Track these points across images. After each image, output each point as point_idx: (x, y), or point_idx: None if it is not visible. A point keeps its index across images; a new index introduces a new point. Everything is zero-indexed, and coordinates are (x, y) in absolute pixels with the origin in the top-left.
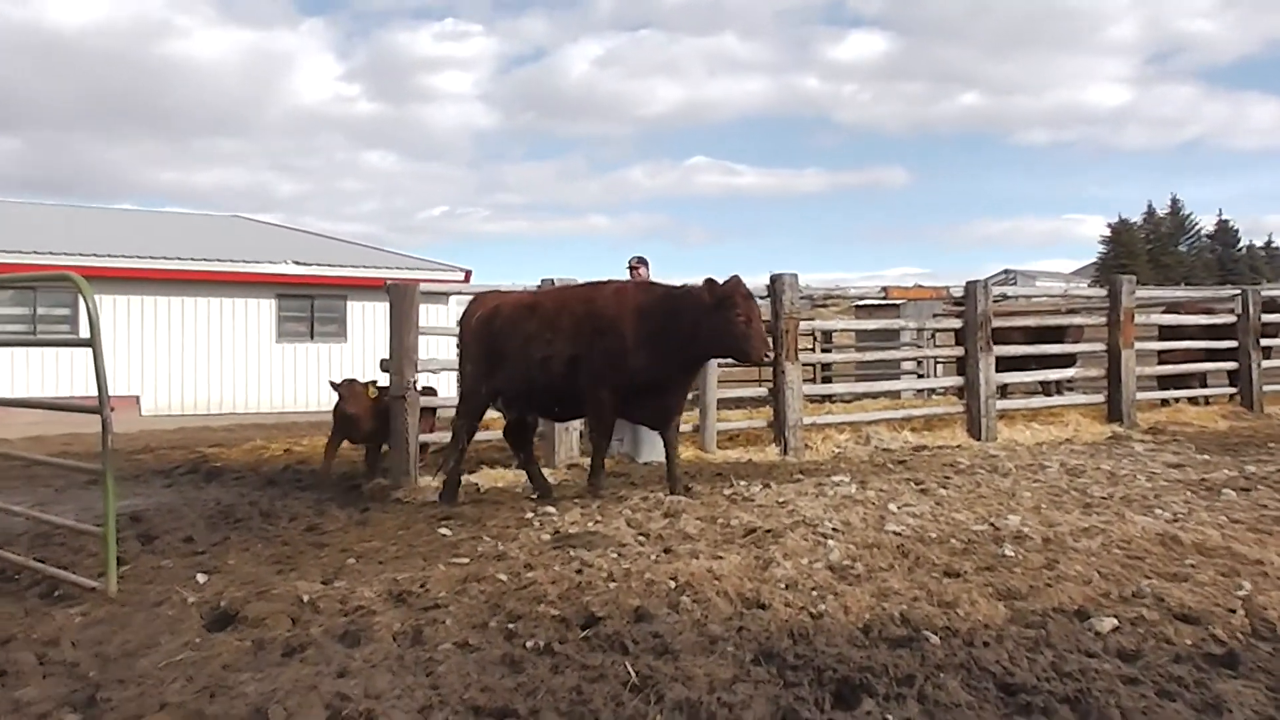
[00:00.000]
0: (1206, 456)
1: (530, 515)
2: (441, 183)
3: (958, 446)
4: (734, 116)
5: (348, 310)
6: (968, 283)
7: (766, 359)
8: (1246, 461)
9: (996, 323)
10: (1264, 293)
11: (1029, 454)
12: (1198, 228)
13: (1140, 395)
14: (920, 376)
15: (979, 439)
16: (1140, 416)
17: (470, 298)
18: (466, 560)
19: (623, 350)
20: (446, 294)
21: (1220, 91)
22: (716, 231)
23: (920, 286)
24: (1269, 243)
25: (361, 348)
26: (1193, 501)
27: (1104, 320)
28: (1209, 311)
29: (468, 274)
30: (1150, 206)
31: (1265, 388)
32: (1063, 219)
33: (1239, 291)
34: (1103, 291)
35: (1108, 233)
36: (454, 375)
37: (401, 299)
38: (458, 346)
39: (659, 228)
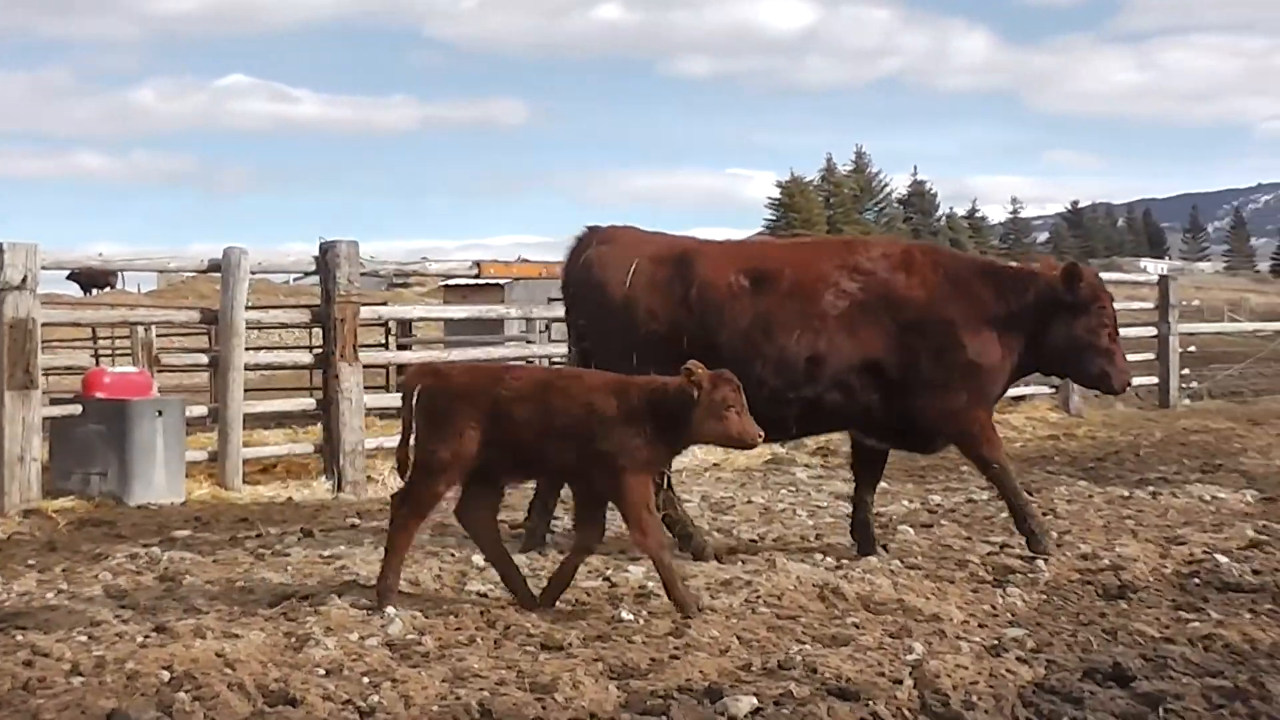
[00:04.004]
0: (884, 484)
1: None
2: None
3: None
4: (290, 23)
5: None
6: None
7: (1129, 388)
8: (932, 490)
9: None
10: None
11: None
12: (888, 190)
13: None
14: None
15: None
16: None
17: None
18: None
19: (962, 348)
20: None
21: (920, 17)
22: (261, 178)
23: (526, 261)
24: (973, 211)
25: None
26: None
27: None
28: None
29: None
30: (830, 161)
31: None
32: (727, 174)
33: None
34: None
35: (778, 193)
36: None
37: None
38: (586, 319)
39: (178, 171)
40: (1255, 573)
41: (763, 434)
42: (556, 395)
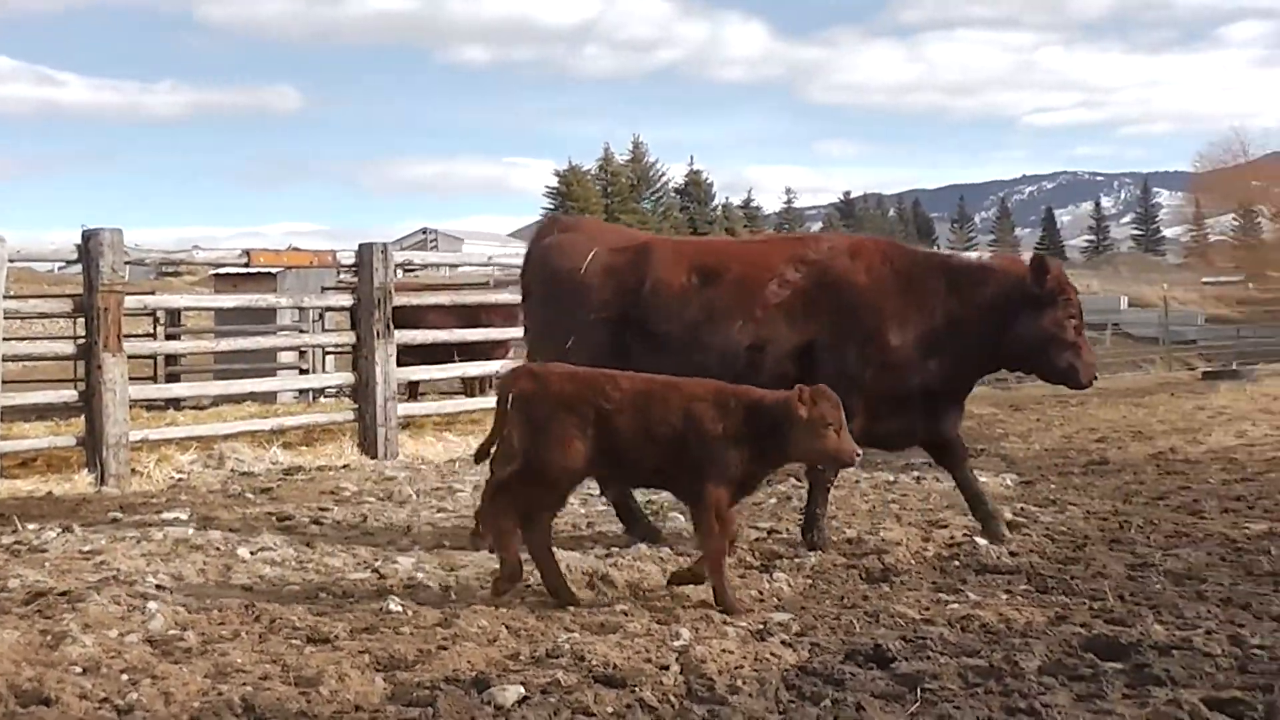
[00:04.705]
0: None
1: None
2: None
3: (344, 467)
4: (55, 4)
5: None
6: (361, 245)
7: (1094, 383)
8: None
9: (409, 300)
10: None
11: (437, 475)
12: (665, 179)
13: None
14: (304, 372)
15: (375, 456)
16: None
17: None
18: None
19: (885, 339)
20: None
21: (697, 9)
22: (25, 164)
23: (297, 250)
24: (748, 200)
25: None
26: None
27: None
28: None
29: None
30: (607, 150)
31: None
32: (504, 162)
33: None
34: None
35: (555, 182)
36: None
37: None
38: (536, 308)
39: None
40: (1012, 554)
41: (860, 452)
42: (656, 404)
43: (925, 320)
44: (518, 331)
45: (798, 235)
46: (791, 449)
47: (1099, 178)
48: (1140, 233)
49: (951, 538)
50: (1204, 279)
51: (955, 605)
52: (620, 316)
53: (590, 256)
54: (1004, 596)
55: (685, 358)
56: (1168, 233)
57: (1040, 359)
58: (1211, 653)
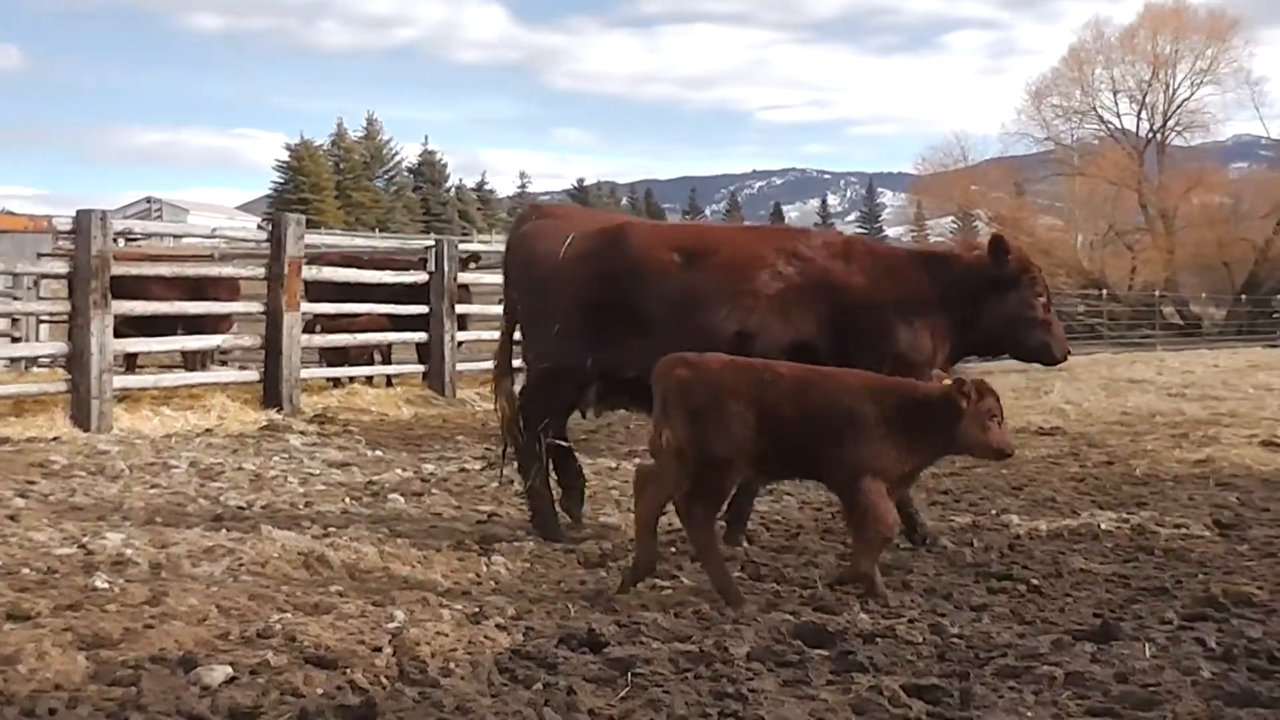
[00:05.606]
0: (380, 453)
1: None
2: None
3: (55, 439)
4: None
5: None
6: (79, 212)
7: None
8: (427, 459)
9: (128, 270)
10: (462, 246)
11: (152, 450)
12: (399, 158)
13: (309, 373)
14: (16, 340)
15: (88, 429)
16: (306, 401)
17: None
18: None
19: (895, 340)
20: None
21: None
22: None
23: (10, 214)
24: (482, 184)
25: None
26: (353, 511)
27: (265, 273)
28: (395, 267)
29: None
30: (341, 126)
31: (460, 366)
32: (234, 134)
33: (433, 243)
34: (263, 234)
35: (287, 156)
36: None
37: None
38: (517, 290)
39: None
40: (729, 543)
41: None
42: (815, 394)
43: (920, 316)
44: (241, 305)
45: (793, 229)
46: (955, 441)
47: (826, 176)
48: (864, 231)
49: (671, 524)
50: None
51: (670, 590)
52: (605, 298)
53: (573, 239)
54: None
55: (663, 343)
56: (890, 232)
57: (1012, 340)
58: (913, 641)
